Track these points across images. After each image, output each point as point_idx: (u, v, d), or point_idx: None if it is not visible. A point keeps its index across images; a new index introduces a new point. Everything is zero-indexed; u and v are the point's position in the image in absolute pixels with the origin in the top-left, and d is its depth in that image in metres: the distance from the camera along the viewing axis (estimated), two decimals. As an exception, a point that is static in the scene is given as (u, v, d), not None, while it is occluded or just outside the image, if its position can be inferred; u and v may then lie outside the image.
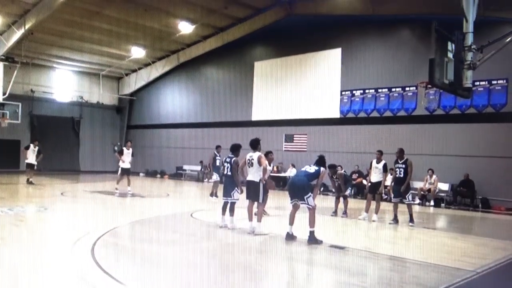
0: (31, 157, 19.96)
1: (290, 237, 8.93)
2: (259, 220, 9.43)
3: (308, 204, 8.78)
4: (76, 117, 31.18)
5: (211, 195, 15.86)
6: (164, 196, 18.46)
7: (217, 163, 15.14)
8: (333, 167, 13.01)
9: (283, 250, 8.51)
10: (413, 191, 13.43)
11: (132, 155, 17.37)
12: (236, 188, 9.98)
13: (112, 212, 12.72)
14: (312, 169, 9.18)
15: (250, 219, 9.57)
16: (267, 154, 10.43)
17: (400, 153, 12.21)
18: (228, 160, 10.30)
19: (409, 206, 12.04)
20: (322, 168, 9.27)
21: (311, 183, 9.13)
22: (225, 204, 10.18)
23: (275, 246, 8.71)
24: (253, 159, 9.63)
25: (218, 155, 15.70)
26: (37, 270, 6.36)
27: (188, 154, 28.38)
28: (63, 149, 29.45)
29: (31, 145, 20.19)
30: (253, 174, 9.59)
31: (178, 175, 28.47)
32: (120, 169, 17.15)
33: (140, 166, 30.89)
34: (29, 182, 19.36)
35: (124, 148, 17.21)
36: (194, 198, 19.66)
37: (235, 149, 10.41)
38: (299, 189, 8.96)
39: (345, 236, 10.32)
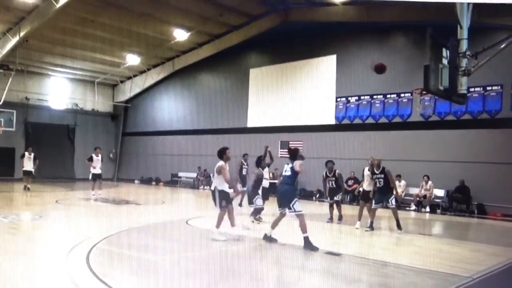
0: (27, 164, 20.19)
1: (267, 238, 9.05)
2: (216, 226, 9.50)
3: (295, 211, 8.83)
4: (71, 124, 31.04)
5: (240, 205, 15.05)
6: (159, 204, 18.37)
7: (244, 172, 14.51)
8: (331, 163, 12.93)
9: (280, 257, 8.50)
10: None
11: (102, 160, 18.26)
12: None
13: (107, 220, 12.63)
14: (287, 170, 9.23)
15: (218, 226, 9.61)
16: (225, 151, 10.22)
17: (378, 164, 11.99)
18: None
19: (395, 211, 11.87)
20: (295, 162, 9.23)
21: (293, 186, 9.25)
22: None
23: (271, 253, 8.68)
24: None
25: (245, 163, 14.86)
26: (32, 278, 6.33)
27: (183, 161, 28.30)
28: (58, 157, 29.29)
29: (26, 153, 20.42)
30: (215, 182, 9.75)
31: (173, 182, 28.37)
32: (91, 174, 17.88)
33: (135, 173, 30.83)
34: (26, 189, 19.64)
35: (93, 155, 17.89)
36: (189, 205, 19.56)
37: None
38: (284, 197, 9.09)
39: (340, 242, 10.29)
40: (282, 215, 9.16)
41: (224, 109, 26.36)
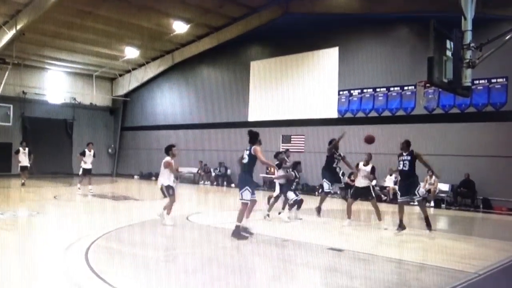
0: (23, 159, 20.17)
1: (237, 232, 8.94)
2: (168, 213, 10.70)
3: (242, 198, 8.91)
4: (69, 119, 30.80)
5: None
6: (159, 199, 18.14)
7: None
8: (333, 141, 12.59)
9: (281, 253, 8.37)
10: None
11: (94, 156, 18.46)
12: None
13: (106, 216, 12.59)
14: (245, 157, 9.07)
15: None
16: (171, 148, 11.21)
17: (405, 144, 10.62)
18: None
19: (422, 205, 10.91)
20: (253, 147, 8.98)
21: (248, 172, 9.09)
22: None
23: (273, 249, 8.58)
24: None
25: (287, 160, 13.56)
26: (29, 275, 6.26)
27: (183, 156, 28.06)
28: (56, 152, 29.02)
29: (20, 148, 20.43)
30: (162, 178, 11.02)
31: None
32: (81, 169, 18.05)
33: (135, 168, 30.63)
34: (22, 184, 19.60)
35: (86, 150, 18.07)
36: (190, 201, 19.41)
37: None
38: (239, 184, 9.29)
39: (343, 238, 10.15)
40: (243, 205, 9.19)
41: (224, 102, 26.19)
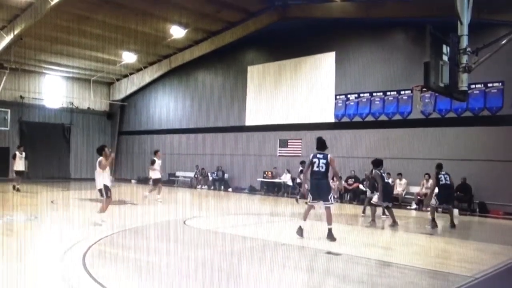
0: (19, 164, 19.90)
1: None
2: (100, 212, 10.81)
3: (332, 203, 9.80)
4: (66, 123, 30.77)
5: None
6: (156, 203, 18.12)
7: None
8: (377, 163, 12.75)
9: (279, 257, 8.31)
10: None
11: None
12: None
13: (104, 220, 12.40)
14: (322, 165, 9.63)
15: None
16: (103, 148, 11.00)
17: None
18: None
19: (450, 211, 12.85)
20: (329, 155, 9.72)
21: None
22: None
23: (270, 253, 8.52)
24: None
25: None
26: (27, 280, 6.21)
27: (181, 160, 28.08)
28: (53, 156, 29.06)
29: (17, 153, 20.07)
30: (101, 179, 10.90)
31: (170, 181, 28.10)
32: (151, 180, 17.64)
33: (132, 173, 30.56)
34: (16, 189, 19.25)
35: (155, 158, 17.48)
36: (187, 205, 19.39)
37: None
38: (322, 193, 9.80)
39: (340, 242, 10.12)
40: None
41: (221, 107, 26.20)
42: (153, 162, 17.28)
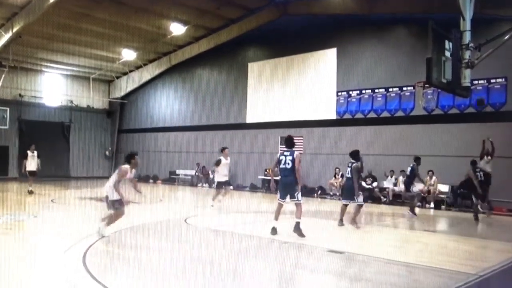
0: (31, 164, 18.51)
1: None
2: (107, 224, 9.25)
3: (298, 199, 9.69)
4: (66, 121, 30.67)
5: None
6: (157, 202, 18.06)
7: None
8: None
9: (280, 255, 8.33)
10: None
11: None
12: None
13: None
14: (289, 162, 9.71)
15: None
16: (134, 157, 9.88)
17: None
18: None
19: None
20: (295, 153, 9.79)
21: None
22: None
23: (271, 251, 8.50)
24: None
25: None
26: (27, 279, 6.22)
27: (181, 158, 28.01)
28: (53, 155, 28.87)
29: (29, 152, 18.64)
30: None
31: (171, 179, 28.05)
32: (216, 182, 15.50)
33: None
34: (30, 192, 17.97)
35: (222, 158, 15.24)
36: (188, 203, 19.33)
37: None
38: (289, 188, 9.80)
39: (344, 240, 10.10)
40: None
41: (222, 104, 26.11)
42: (218, 163, 14.75)
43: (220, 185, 14.85)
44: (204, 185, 25.53)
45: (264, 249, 8.81)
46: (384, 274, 7.05)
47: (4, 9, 20.54)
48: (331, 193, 20.14)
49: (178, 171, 28.04)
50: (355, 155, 11.72)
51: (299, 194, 9.62)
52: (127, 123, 32.75)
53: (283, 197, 9.78)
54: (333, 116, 21.34)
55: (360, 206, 11.64)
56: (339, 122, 21.08)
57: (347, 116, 20.94)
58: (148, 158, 29.96)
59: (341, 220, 11.56)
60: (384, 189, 18.81)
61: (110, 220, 9.24)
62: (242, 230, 10.09)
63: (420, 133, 18.57)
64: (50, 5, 18.95)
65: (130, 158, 9.53)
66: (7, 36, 22.10)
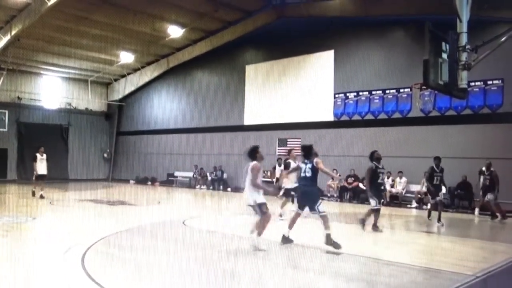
0: (41, 167, 17.66)
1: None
2: (259, 234, 8.48)
3: (321, 211, 8.74)
4: (64, 124, 30.66)
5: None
6: (155, 204, 18.08)
7: (380, 180, 11.49)
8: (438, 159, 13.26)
9: (279, 256, 8.30)
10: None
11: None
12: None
13: (103, 221, 12.41)
14: (308, 170, 8.99)
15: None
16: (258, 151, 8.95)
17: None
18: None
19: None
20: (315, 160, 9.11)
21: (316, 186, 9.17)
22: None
23: (270, 253, 8.45)
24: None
25: (380, 166, 11.46)
26: (26, 281, 6.20)
27: (179, 160, 28.04)
28: (52, 157, 28.54)
29: (38, 155, 17.75)
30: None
31: (169, 181, 28.07)
32: (283, 189, 13.78)
33: (130, 173, 30.51)
34: (41, 197, 17.28)
35: (290, 160, 13.61)
36: (186, 205, 19.34)
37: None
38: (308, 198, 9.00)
39: (340, 241, 10.06)
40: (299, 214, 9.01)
41: (220, 106, 26.14)
42: (287, 165, 12.78)
43: (289, 192, 12.92)
44: (202, 186, 25.55)
45: (262, 250, 8.74)
46: (381, 275, 7.06)
47: (2, 12, 20.57)
48: (328, 195, 20.18)
49: (176, 173, 28.07)
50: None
51: (321, 206, 8.65)
52: (125, 125, 32.77)
53: (301, 208, 8.98)
54: (330, 118, 21.40)
55: (374, 210, 11.14)
56: (336, 124, 21.12)
57: (345, 118, 20.99)
58: (146, 160, 30.05)
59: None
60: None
61: (260, 228, 8.46)
62: (240, 231, 10.08)
63: (417, 135, 18.62)
64: (48, 8, 18.96)
65: (254, 153, 8.78)
66: (5, 39, 22.11)
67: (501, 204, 16.26)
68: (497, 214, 14.01)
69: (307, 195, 8.90)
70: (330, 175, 10.43)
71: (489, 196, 14.16)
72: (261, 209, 8.39)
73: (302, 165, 9.08)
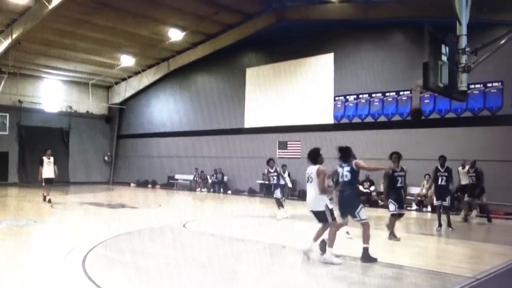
0: (48, 170, 17.32)
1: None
2: (329, 246, 7.90)
3: (360, 219, 8.10)
4: (65, 127, 30.72)
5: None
6: (156, 207, 18.11)
7: (399, 183, 10.78)
8: (443, 158, 12.91)
9: (279, 259, 8.32)
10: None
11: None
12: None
13: (104, 224, 12.45)
14: (346, 174, 8.26)
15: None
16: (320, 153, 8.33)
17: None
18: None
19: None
20: (355, 161, 8.39)
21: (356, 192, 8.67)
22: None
23: (271, 256, 8.47)
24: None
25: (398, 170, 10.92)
26: (27, 284, 6.23)
27: (180, 163, 28.06)
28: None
29: (45, 158, 17.42)
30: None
31: (169, 184, 28.09)
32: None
33: (131, 176, 30.53)
34: (49, 201, 16.91)
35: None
36: (186, 208, 19.35)
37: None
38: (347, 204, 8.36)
39: (340, 244, 10.05)
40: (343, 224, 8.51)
41: (220, 109, 26.16)
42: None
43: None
44: (202, 189, 25.57)
45: (262, 253, 8.79)
46: (382, 277, 7.07)
47: (3, 15, 20.61)
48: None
49: (176, 176, 28.09)
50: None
51: (361, 212, 8.04)
52: (126, 128, 32.79)
53: (343, 215, 8.38)
54: (330, 120, 21.40)
55: (393, 215, 10.58)
56: (336, 127, 21.11)
57: (345, 120, 21.01)
58: (146, 163, 30.05)
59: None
60: (382, 193, 18.79)
61: (332, 238, 7.92)
62: (241, 234, 10.07)
63: (417, 137, 18.59)
64: (49, 12, 18.98)
65: (317, 156, 8.15)
66: (6, 43, 22.16)
67: (502, 207, 16.33)
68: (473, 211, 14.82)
69: (347, 201, 8.24)
70: (379, 169, 10.17)
71: (484, 199, 14.52)
72: (331, 215, 7.96)
73: (340, 169, 8.41)
